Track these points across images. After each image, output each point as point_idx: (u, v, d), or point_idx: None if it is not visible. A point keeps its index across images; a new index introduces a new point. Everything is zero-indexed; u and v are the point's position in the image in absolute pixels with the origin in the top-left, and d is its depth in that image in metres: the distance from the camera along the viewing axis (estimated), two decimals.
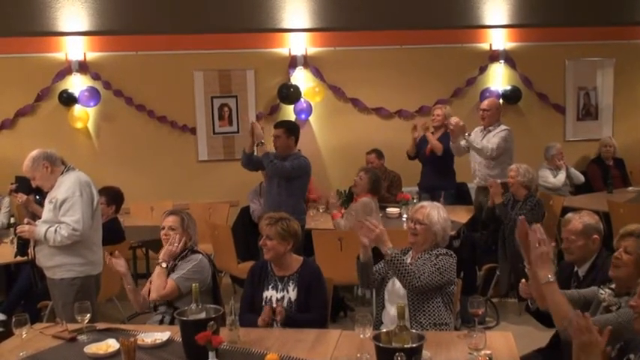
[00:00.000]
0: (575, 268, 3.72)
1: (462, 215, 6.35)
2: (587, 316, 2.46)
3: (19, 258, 4.77)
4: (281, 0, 7.73)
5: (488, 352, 3.04)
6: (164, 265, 3.95)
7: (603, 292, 3.13)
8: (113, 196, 5.87)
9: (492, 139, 6.70)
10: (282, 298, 3.80)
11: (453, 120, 6.61)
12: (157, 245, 4.31)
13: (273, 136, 5.86)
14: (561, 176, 7.64)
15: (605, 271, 3.29)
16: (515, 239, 3.05)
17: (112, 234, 5.36)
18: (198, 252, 4.09)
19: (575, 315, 2.49)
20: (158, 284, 3.92)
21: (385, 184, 7.01)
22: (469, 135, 6.65)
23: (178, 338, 3.27)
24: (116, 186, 6.06)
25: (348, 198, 6.86)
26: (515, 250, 3.17)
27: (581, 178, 7.89)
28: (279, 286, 3.84)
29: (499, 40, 8.27)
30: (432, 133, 7.03)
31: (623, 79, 8.57)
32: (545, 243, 2.85)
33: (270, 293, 3.84)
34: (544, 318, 3.31)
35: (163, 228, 4.10)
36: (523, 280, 3.29)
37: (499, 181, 6.25)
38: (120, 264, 3.98)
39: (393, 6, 7.83)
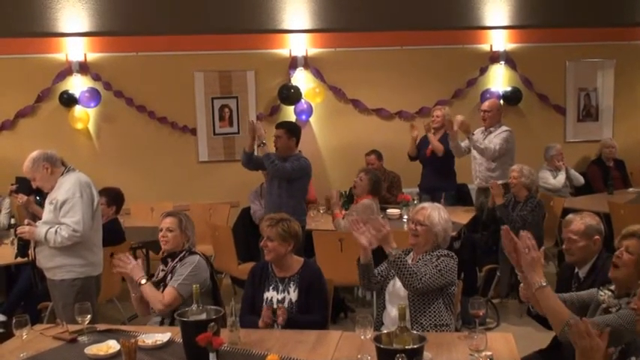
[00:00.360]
0: (576, 270, 3.71)
1: (463, 216, 6.35)
2: (586, 321, 2.46)
3: (19, 259, 4.76)
4: (281, 1, 7.73)
5: (489, 353, 3.04)
6: (144, 281, 3.92)
7: (603, 293, 3.12)
8: (113, 197, 5.87)
9: (494, 140, 6.70)
10: (283, 299, 3.79)
11: (459, 118, 6.60)
12: (157, 246, 4.30)
13: (274, 136, 5.86)
14: (561, 177, 7.63)
15: (605, 272, 3.27)
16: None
17: (113, 235, 5.35)
18: (196, 253, 4.08)
19: (575, 320, 2.48)
20: (157, 296, 3.90)
21: (385, 185, 7.01)
22: (473, 134, 6.65)
23: (179, 339, 3.27)
24: (116, 187, 6.06)
25: (348, 199, 6.86)
26: None
27: (581, 179, 7.88)
28: (280, 287, 3.84)
29: (499, 41, 8.27)
30: (433, 134, 7.02)
31: (624, 80, 8.58)
32: (535, 249, 2.83)
33: (270, 294, 3.84)
34: (546, 321, 3.30)
35: (161, 230, 4.10)
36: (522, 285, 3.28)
37: (500, 182, 6.26)
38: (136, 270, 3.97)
39: (393, 7, 7.83)
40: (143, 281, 3.92)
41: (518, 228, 5.48)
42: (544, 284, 2.81)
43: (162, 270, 4.08)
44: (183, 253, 4.05)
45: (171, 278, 3.96)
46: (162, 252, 4.17)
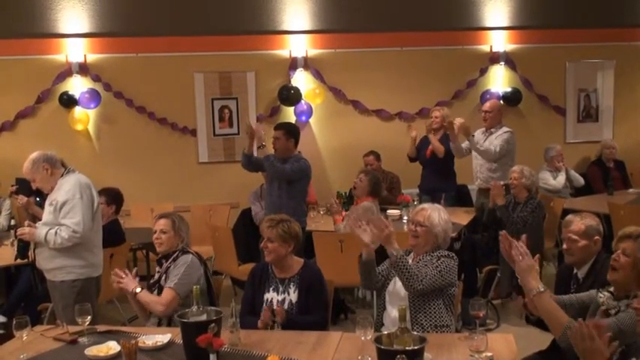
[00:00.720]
0: (575, 271, 3.71)
1: (463, 217, 6.35)
2: (589, 324, 2.45)
3: (19, 260, 4.77)
4: (281, 2, 7.73)
5: (490, 354, 3.04)
6: (138, 289, 3.92)
7: (602, 295, 3.12)
8: (113, 197, 5.87)
9: (494, 141, 6.71)
10: (283, 300, 3.79)
11: (458, 120, 6.60)
12: None
13: (273, 137, 5.86)
14: (561, 178, 7.63)
15: (604, 273, 3.27)
16: (516, 240, 3.04)
17: (113, 236, 5.36)
18: (189, 252, 4.08)
19: (576, 322, 2.48)
20: (154, 300, 3.90)
21: (384, 185, 7.00)
22: (473, 136, 6.65)
23: (179, 340, 3.26)
24: (116, 187, 6.05)
25: (348, 200, 6.85)
26: None
27: (581, 180, 7.88)
28: (280, 288, 3.84)
29: (499, 41, 8.27)
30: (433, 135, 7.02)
31: (624, 81, 8.58)
32: (528, 255, 2.89)
33: (271, 295, 3.84)
34: (546, 325, 3.30)
35: (155, 232, 4.09)
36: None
37: (501, 182, 6.26)
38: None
39: (393, 8, 7.84)
40: (138, 290, 3.92)
41: (519, 229, 5.53)
42: (542, 289, 2.83)
43: (158, 272, 4.09)
44: (176, 253, 4.05)
45: (165, 279, 3.97)
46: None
